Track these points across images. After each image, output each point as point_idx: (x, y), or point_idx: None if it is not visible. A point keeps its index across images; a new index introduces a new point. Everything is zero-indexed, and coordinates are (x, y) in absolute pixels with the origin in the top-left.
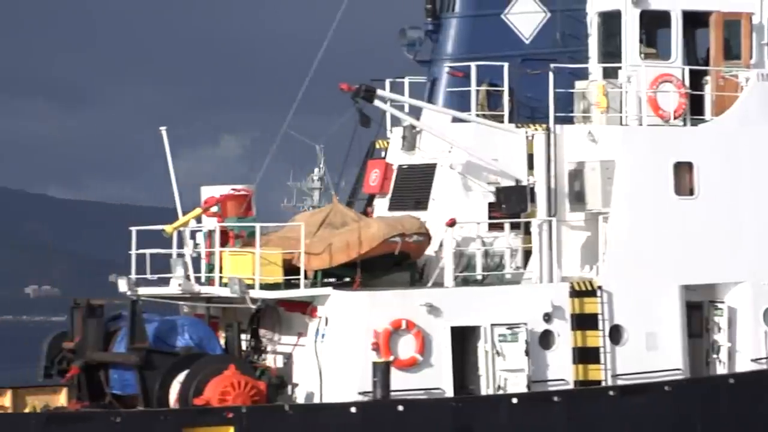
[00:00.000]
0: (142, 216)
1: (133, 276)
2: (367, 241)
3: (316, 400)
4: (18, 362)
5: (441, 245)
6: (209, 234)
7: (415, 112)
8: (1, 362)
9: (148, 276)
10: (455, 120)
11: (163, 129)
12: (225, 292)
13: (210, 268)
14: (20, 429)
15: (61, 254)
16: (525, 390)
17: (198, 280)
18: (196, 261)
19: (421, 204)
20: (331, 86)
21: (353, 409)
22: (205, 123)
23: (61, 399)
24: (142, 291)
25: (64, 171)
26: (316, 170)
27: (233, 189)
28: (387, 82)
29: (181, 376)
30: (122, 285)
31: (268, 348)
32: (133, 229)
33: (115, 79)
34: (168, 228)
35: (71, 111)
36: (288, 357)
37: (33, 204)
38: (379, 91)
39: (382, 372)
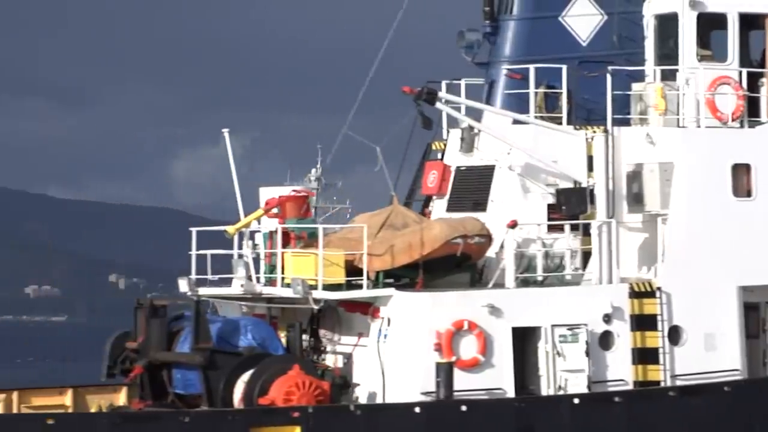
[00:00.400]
0: (143, 216)
1: (194, 276)
2: (429, 243)
3: (378, 400)
4: (17, 362)
5: (501, 246)
6: (270, 235)
7: (471, 114)
8: (1, 362)
9: (209, 276)
10: (516, 122)
11: (225, 131)
12: (287, 293)
13: (271, 269)
14: (92, 428)
15: (61, 254)
16: (585, 390)
17: (259, 280)
18: (255, 262)
19: (480, 205)
20: (386, 88)
21: (417, 409)
22: (205, 123)
23: (121, 398)
24: (202, 291)
25: (64, 171)
26: (313, 170)
27: (294, 190)
28: (443, 84)
29: (245, 376)
30: (183, 285)
31: (328, 348)
32: (194, 230)
33: (115, 79)
34: (230, 229)
35: (71, 111)
36: (348, 357)
37: (33, 204)
38: (441, 94)
39: (445, 372)
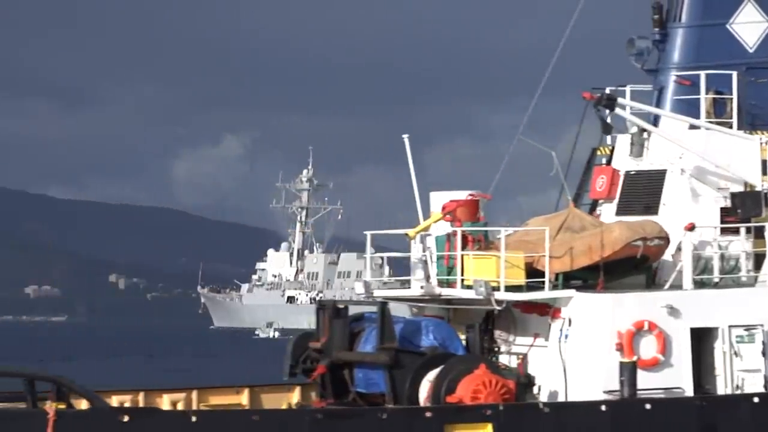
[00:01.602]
0: (143, 216)
1: (369, 278)
2: (609, 245)
3: (560, 398)
4: (19, 362)
5: (677, 249)
6: (448, 238)
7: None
8: (2, 362)
9: (385, 279)
10: (692, 127)
11: (405, 137)
12: (467, 294)
13: (448, 271)
14: (296, 424)
15: (61, 254)
16: (762, 390)
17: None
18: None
19: (651, 209)
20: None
21: (603, 407)
22: (205, 122)
23: (294, 397)
24: (378, 293)
25: (65, 171)
26: (305, 171)
27: (470, 194)
28: (607, 91)
29: (430, 375)
30: (358, 287)
31: (502, 348)
32: (368, 234)
33: (115, 79)
34: (411, 232)
35: (71, 111)
36: (523, 357)
37: (33, 204)
38: (620, 100)
39: (629, 371)
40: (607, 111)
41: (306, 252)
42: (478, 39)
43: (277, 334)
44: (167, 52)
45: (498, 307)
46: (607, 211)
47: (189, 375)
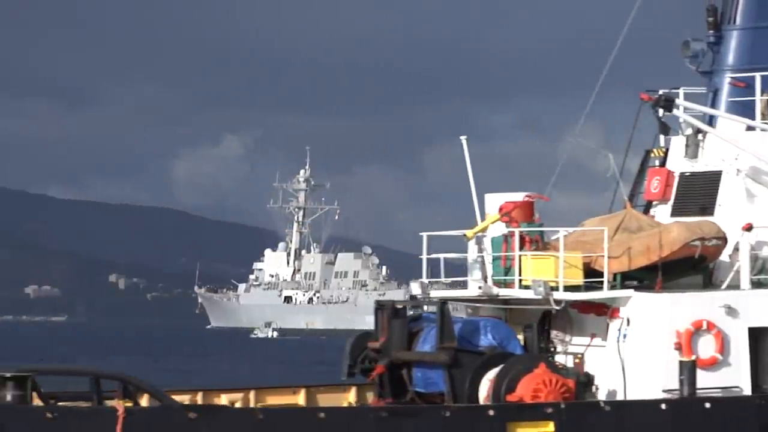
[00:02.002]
0: (143, 216)
1: (425, 279)
2: (668, 245)
3: (618, 397)
4: (18, 362)
5: (734, 249)
6: (505, 239)
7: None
8: (2, 362)
9: (442, 279)
10: (748, 128)
11: (463, 138)
12: (525, 294)
13: (505, 272)
14: (360, 422)
15: (61, 254)
16: None
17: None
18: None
19: (707, 210)
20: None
21: (663, 406)
22: (206, 122)
23: (350, 397)
24: (434, 293)
25: (65, 171)
26: (301, 172)
27: (527, 196)
28: (660, 93)
29: (490, 374)
30: (415, 288)
31: (558, 348)
32: (424, 235)
33: (116, 79)
34: (469, 233)
35: (71, 111)
36: (580, 357)
37: (33, 204)
38: (677, 101)
39: (689, 370)
40: (662, 112)
41: (303, 252)
42: (477, 39)
43: (275, 334)
44: (167, 52)
45: (556, 307)
46: (662, 213)
47: (195, 375)
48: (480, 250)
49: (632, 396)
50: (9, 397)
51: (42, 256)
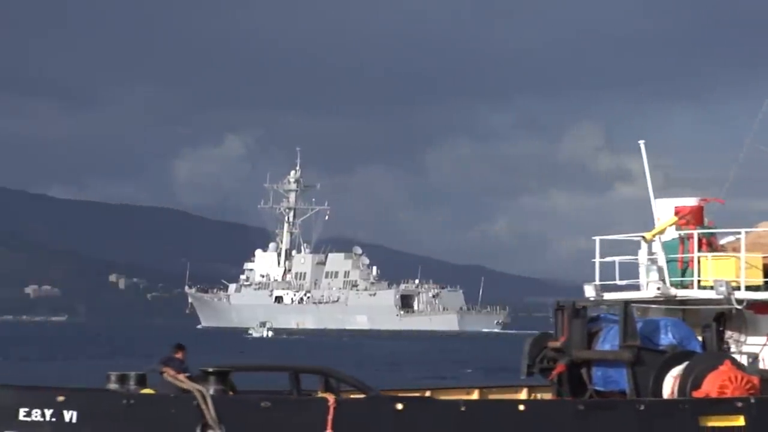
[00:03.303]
0: (143, 216)
1: (598, 282)
2: None
3: None
4: (18, 362)
5: None
6: (681, 241)
7: None
8: (2, 362)
9: (617, 282)
10: None
11: (641, 142)
12: (705, 295)
13: (681, 273)
14: (559, 414)
15: (61, 254)
16: None
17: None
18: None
19: None
20: None
21: None
22: (206, 122)
23: (522, 397)
24: (608, 296)
25: (65, 171)
26: (292, 173)
27: (702, 199)
28: None
29: (674, 371)
30: (588, 291)
31: (732, 348)
32: (597, 239)
33: (116, 78)
34: (648, 235)
35: (71, 111)
36: (754, 357)
37: (33, 204)
38: None
39: None
40: None
41: (294, 252)
42: (478, 39)
43: (270, 333)
44: (168, 52)
45: (738, 306)
46: None
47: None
48: (650, 253)
49: None
50: (212, 391)
51: (42, 256)
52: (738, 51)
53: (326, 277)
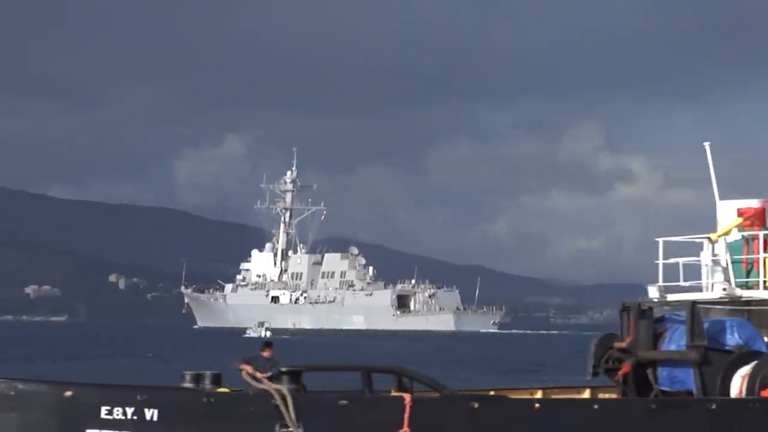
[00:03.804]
0: (143, 216)
1: (662, 283)
2: None
3: None
4: (19, 362)
5: None
6: (746, 242)
7: None
8: (2, 362)
9: (681, 283)
10: None
11: (706, 144)
12: None
13: (746, 274)
14: (631, 412)
15: (61, 254)
16: None
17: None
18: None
19: None
20: None
21: None
22: (206, 122)
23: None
24: (671, 297)
25: (65, 171)
26: (288, 173)
27: (766, 201)
28: None
29: (742, 371)
30: (652, 292)
31: None
32: (660, 240)
33: (117, 79)
34: (714, 236)
35: (71, 111)
36: None
37: (33, 204)
38: None
39: None
40: None
41: (290, 252)
42: (478, 39)
43: (268, 333)
44: (168, 52)
45: None
46: None
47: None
48: (713, 254)
49: None
50: (284, 390)
51: (42, 256)
52: (738, 51)
53: (323, 277)
